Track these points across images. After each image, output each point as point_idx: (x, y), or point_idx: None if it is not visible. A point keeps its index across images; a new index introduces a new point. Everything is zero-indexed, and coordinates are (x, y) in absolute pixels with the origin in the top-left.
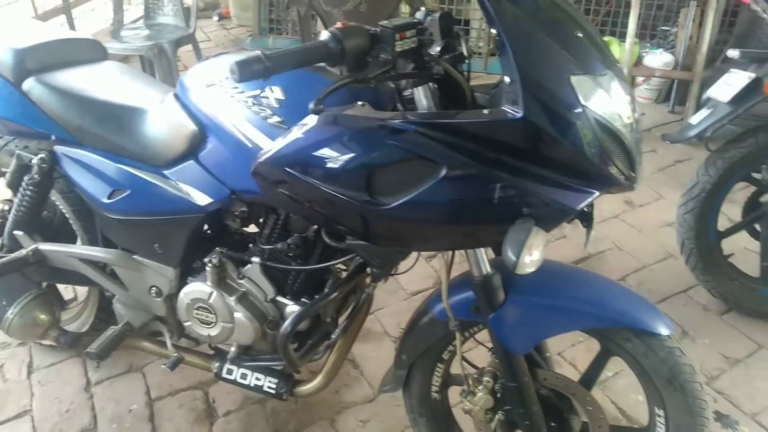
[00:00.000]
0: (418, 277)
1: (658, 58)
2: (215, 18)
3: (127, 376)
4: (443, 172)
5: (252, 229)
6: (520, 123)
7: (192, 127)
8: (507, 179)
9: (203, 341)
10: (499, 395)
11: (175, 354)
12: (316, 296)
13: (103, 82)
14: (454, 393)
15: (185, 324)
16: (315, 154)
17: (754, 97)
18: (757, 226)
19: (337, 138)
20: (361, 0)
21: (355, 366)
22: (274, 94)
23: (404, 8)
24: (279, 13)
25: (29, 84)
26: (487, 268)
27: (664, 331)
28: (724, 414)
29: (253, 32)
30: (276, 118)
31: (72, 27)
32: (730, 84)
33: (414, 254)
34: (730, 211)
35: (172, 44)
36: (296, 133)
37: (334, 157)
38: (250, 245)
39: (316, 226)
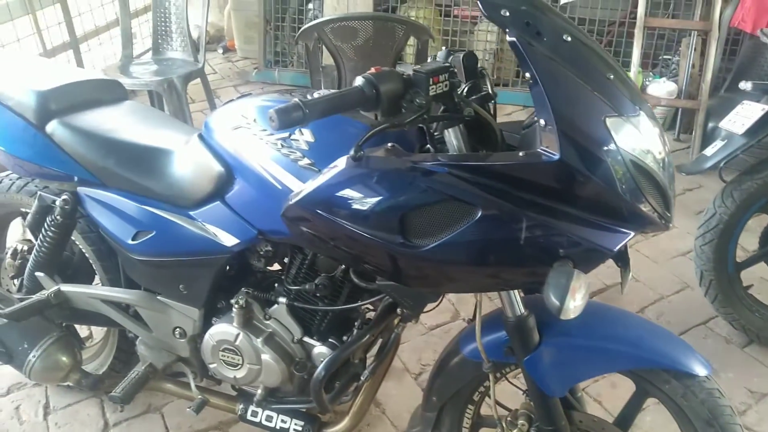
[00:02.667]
0: (435, 311)
1: (662, 87)
2: (220, 51)
3: (145, 417)
4: (478, 214)
5: (275, 267)
6: (557, 165)
7: (218, 168)
8: (544, 221)
9: (228, 383)
10: None
11: (200, 396)
12: (344, 337)
13: (126, 123)
14: None
15: (210, 366)
16: (347, 196)
17: None
18: None
19: (369, 180)
20: (371, 35)
21: (376, 404)
22: (304, 136)
23: (411, 40)
24: (284, 46)
25: (53, 126)
26: (521, 308)
27: (702, 371)
28: None
29: (259, 65)
30: (306, 161)
31: (80, 62)
32: (744, 116)
33: None
34: (746, 241)
35: (182, 79)
36: (328, 175)
37: (366, 200)
38: (275, 285)
39: (343, 266)
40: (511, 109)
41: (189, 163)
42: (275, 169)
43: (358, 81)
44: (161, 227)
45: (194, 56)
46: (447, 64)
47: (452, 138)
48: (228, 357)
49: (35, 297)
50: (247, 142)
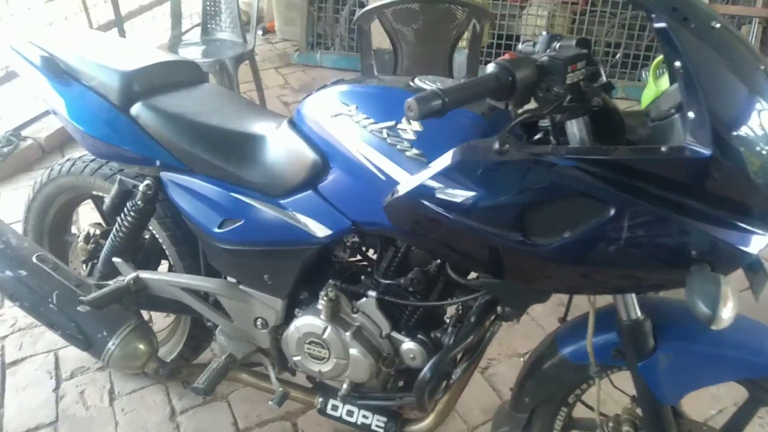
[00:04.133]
0: None
1: None
2: (259, 32)
3: (212, 406)
4: (610, 211)
5: (359, 258)
6: (708, 162)
7: (312, 156)
8: (682, 221)
9: (311, 376)
10: None
11: (281, 389)
12: (432, 333)
13: (211, 107)
14: None
15: (294, 358)
16: (462, 190)
17: None
18: None
19: (488, 173)
20: (432, 18)
21: None
22: (412, 125)
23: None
24: (325, 28)
25: (137, 109)
26: (637, 312)
27: None
28: None
29: (300, 47)
30: (414, 151)
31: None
32: None
33: None
34: None
35: (233, 61)
36: (440, 166)
37: (483, 194)
38: (362, 277)
39: (438, 260)
40: None
41: (281, 151)
42: (379, 159)
43: (492, 68)
44: (250, 216)
45: (243, 37)
46: (585, 51)
47: (575, 129)
48: (314, 350)
49: (115, 284)
50: (348, 130)
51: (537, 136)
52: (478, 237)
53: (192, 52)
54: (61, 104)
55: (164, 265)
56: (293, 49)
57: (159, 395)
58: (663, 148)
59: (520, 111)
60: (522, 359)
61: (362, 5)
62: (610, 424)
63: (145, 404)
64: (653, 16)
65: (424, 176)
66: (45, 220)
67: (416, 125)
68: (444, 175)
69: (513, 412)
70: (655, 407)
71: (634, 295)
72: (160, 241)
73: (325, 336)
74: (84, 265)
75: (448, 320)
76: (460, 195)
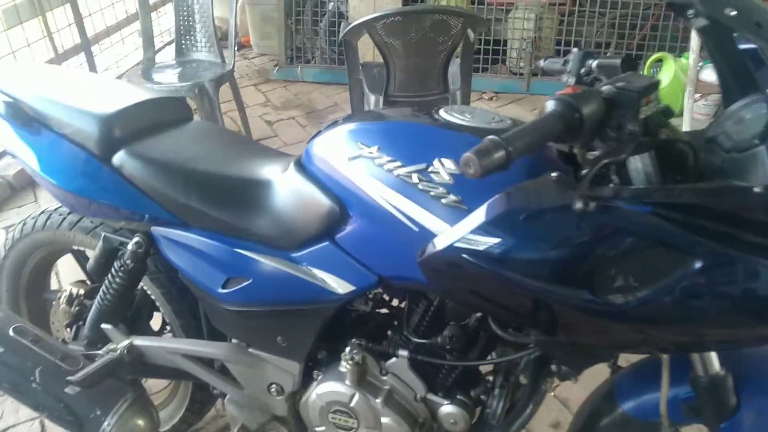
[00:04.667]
0: None
1: (714, 74)
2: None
3: None
4: (696, 263)
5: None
6: None
7: (328, 204)
8: None
9: None
10: None
11: None
12: (472, 392)
13: (204, 150)
14: None
15: (317, 429)
16: (516, 242)
17: None
18: None
19: (546, 222)
20: (425, 30)
21: None
22: (446, 167)
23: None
24: (303, 41)
25: (120, 158)
26: (716, 366)
27: None
28: None
29: (279, 62)
30: (452, 198)
31: (92, 65)
32: None
33: None
34: None
35: (214, 83)
36: (486, 215)
37: (541, 247)
38: (389, 333)
39: (479, 314)
40: None
41: (290, 198)
42: (410, 208)
43: (553, 105)
44: (259, 273)
45: (221, 56)
46: (657, 80)
47: (639, 165)
48: (340, 420)
49: (106, 356)
50: (370, 174)
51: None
52: (534, 294)
53: (168, 76)
54: (30, 156)
55: (157, 317)
56: (272, 64)
57: None
58: (756, 189)
59: (595, 156)
60: (553, 394)
61: (342, 16)
62: None
63: None
64: (735, 33)
65: (468, 227)
66: (20, 279)
67: (451, 165)
68: (492, 225)
69: None
70: None
71: None
72: (153, 297)
73: (352, 404)
74: (68, 329)
75: (490, 378)
76: (512, 248)
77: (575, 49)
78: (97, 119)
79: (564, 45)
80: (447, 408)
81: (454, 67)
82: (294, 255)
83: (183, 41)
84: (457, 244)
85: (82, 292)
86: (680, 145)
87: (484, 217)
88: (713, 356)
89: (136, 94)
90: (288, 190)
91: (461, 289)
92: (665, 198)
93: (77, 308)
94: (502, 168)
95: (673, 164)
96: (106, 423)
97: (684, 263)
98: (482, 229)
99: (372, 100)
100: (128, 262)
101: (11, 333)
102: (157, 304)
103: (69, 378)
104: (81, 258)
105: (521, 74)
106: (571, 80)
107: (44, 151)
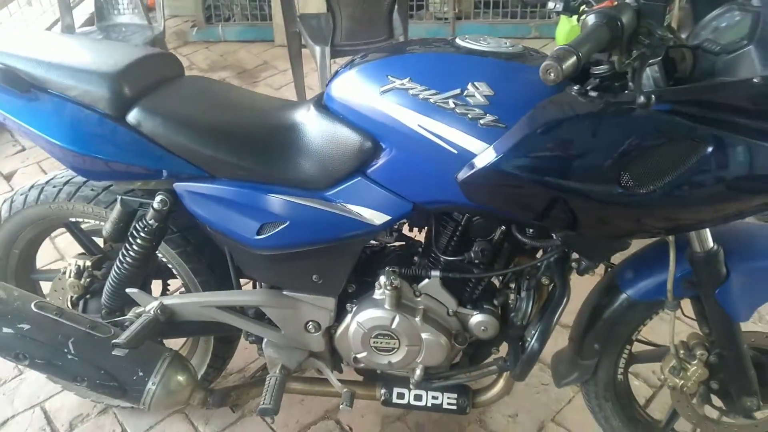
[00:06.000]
0: None
1: None
2: None
3: (244, 422)
4: (708, 150)
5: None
6: None
7: (357, 139)
8: None
9: (380, 369)
10: (713, 366)
11: (346, 389)
12: (495, 301)
13: (215, 102)
14: None
15: (359, 355)
16: (554, 149)
17: None
18: None
19: (580, 128)
20: None
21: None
22: (480, 90)
23: None
24: None
25: (137, 116)
26: (710, 242)
27: None
28: None
29: (197, 22)
30: (489, 118)
31: None
32: None
33: None
34: None
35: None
36: (524, 129)
37: (578, 152)
38: (415, 258)
39: (503, 228)
40: None
41: (318, 139)
42: (448, 132)
43: (597, 17)
44: (295, 215)
45: (147, 19)
46: None
47: (650, 72)
48: (382, 343)
49: (143, 319)
50: (405, 105)
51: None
52: (568, 195)
53: None
54: (33, 121)
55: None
56: (188, 26)
57: (181, 425)
58: (756, 79)
59: (637, 56)
60: None
61: None
62: (682, 351)
63: None
64: None
65: (509, 141)
66: (9, 261)
67: (486, 89)
68: (531, 137)
69: (579, 360)
70: (729, 327)
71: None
72: (165, 260)
73: (393, 326)
74: (76, 304)
75: (512, 286)
76: (551, 155)
77: None
78: (106, 78)
79: None
80: (477, 317)
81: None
82: (327, 194)
83: (102, 3)
84: (500, 159)
85: (89, 263)
86: (684, 49)
87: (524, 131)
88: (707, 233)
89: (131, 51)
90: (314, 131)
91: (501, 201)
92: (684, 96)
93: (89, 280)
94: (575, 71)
95: (672, 69)
96: (150, 383)
97: (698, 150)
98: (523, 142)
99: (318, 51)
100: (151, 222)
101: (34, 309)
102: (172, 265)
103: (115, 341)
104: (77, 230)
105: (446, 19)
106: (559, 6)
107: (48, 116)
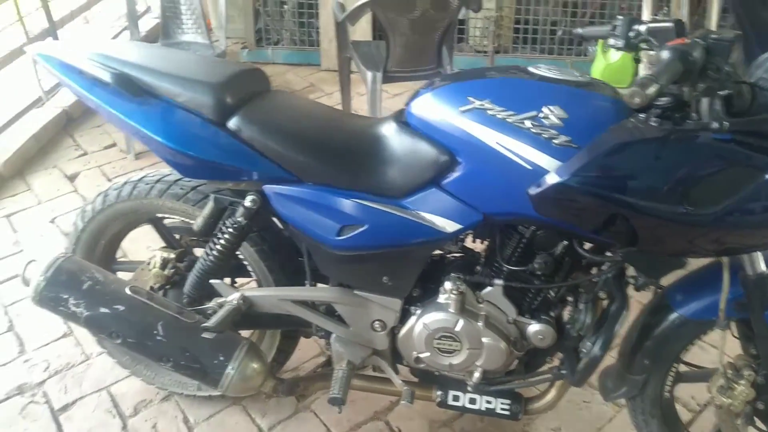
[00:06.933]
0: None
1: None
2: None
3: (298, 417)
4: (765, 177)
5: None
6: None
7: (434, 153)
8: None
9: (440, 370)
10: (760, 387)
11: (406, 387)
12: (551, 312)
13: (304, 114)
14: None
15: (421, 355)
16: (624, 170)
17: None
18: None
19: (647, 152)
20: (427, 7)
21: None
22: (555, 113)
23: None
24: (267, 22)
25: (237, 122)
26: (761, 266)
27: None
28: None
29: (248, 44)
30: (563, 138)
31: None
32: None
33: None
34: None
35: None
36: (599, 149)
37: (646, 172)
38: (478, 267)
39: (565, 242)
40: None
41: (397, 151)
42: (524, 150)
43: (671, 53)
44: (373, 220)
45: (209, 38)
46: (737, 32)
47: (713, 105)
48: (444, 344)
49: (227, 308)
50: (484, 124)
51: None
52: (634, 212)
53: None
54: (143, 123)
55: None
56: (238, 47)
57: (239, 416)
58: None
59: (705, 89)
60: None
61: None
62: (729, 372)
63: (227, 427)
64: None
65: (581, 160)
66: (95, 252)
67: (560, 112)
68: (604, 157)
69: (628, 375)
70: None
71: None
72: (242, 257)
73: (457, 329)
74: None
75: (569, 298)
76: (620, 174)
77: (620, 17)
78: (211, 88)
79: (523, 24)
80: (535, 326)
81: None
82: (404, 201)
83: (168, 21)
84: (572, 176)
85: (173, 255)
86: (743, 85)
87: (596, 151)
88: (760, 257)
89: (228, 65)
90: (395, 144)
91: (569, 215)
92: (745, 126)
93: (172, 270)
94: (655, 98)
95: (731, 103)
96: (230, 367)
97: (755, 177)
98: (594, 161)
99: (369, 76)
100: (240, 219)
101: (129, 292)
102: (248, 262)
103: (204, 325)
104: (161, 226)
105: (485, 52)
106: (620, 43)
107: (157, 119)
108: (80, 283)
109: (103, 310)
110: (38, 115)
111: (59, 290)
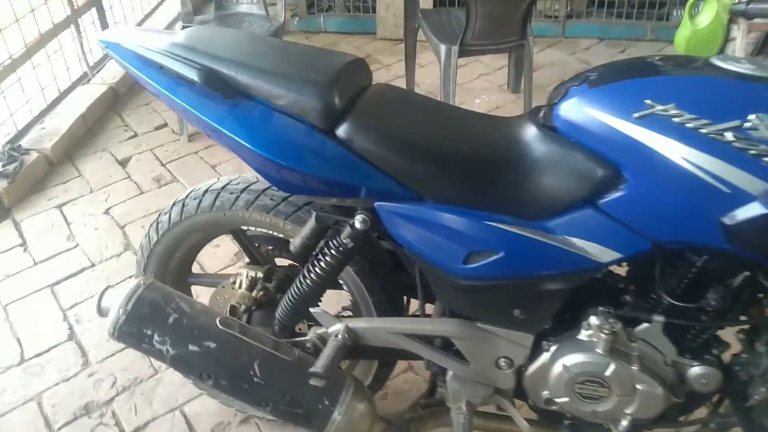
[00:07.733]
0: None
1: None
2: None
3: None
4: None
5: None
6: None
7: (592, 166)
8: None
9: (580, 416)
10: None
11: (531, 429)
12: (714, 350)
13: (422, 117)
14: None
15: (557, 399)
16: None
17: None
18: None
19: None
20: None
21: None
22: (765, 123)
23: None
24: None
25: (347, 129)
26: None
27: None
28: None
29: (299, 11)
30: None
31: (104, 22)
32: None
33: None
34: None
35: None
36: None
37: None
38: (628, 298)
39: (747, 273)
40: (588, 43)
41: (541, 162)
42: (722, 168)
43: None
44: (510, 246)
45: (265, 9)
46: None
47: None
48: (589, 389)
49: (333, 343)
50: (666, 134)
51: None
52: None
53: None
54: (234, 129)
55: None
56: (288, 15)
57: None
58: None
59: None
60: None
61: None
62: None
63: None
64: None
65: None
66: (169, 265)
67: None
68: None
69: None
70: None
71: None
72: (338, 278)
73: (607, 373)
74: (233, 312)
75: (741, 336)
76: None
77: None
78: (318, 88)
79: None
80: (697, 369)
81: None
82: (548, 224)
83: None
84: None
85: (261, 275)
86: None
87: None
88: None
89: (331, 57)
90: (539, 154)
91: None
92: None
93: (260, 293)
94: None
95: None
96: (336, 413)
97: None
98: None
99: (443, 49)
100: (346, 241)
101: (219, 326)
102: (346, 284)
103: (312, 370)
104: (243, 238)
105: (556, 17)
106: None
107: (251, 125)
108: (165, 317)
109: (192, 347)
110: (84, 92)
111: (141, 325)
